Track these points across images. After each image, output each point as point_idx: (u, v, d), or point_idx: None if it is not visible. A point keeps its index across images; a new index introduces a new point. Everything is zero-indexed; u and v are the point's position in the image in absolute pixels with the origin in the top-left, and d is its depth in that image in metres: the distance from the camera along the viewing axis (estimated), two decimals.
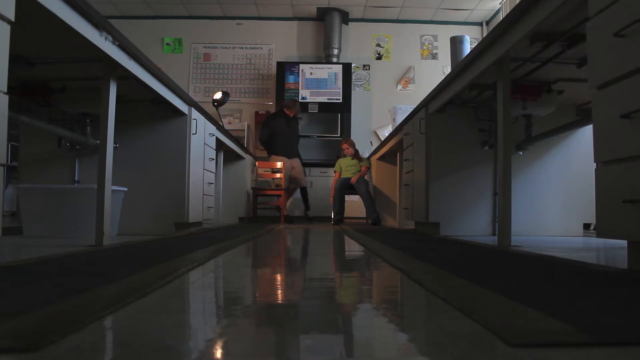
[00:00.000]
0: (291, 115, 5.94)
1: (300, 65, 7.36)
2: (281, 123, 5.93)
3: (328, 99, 7.17)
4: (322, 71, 7.33)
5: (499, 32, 2.22)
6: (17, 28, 1.46)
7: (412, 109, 3.97)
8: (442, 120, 3.44)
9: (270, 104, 7.59)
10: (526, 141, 3.24)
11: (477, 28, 7.70)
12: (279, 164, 5.86)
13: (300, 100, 7.06)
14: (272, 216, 6.51)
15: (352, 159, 5.87)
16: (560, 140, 3.48)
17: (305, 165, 6.42)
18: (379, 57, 7.79)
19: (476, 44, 2.53)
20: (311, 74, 7.32)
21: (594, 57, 1.51)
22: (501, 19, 3.18)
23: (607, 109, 1.44)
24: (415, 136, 3.81)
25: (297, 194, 6.45)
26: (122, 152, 3.20)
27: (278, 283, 1.34)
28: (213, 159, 4.20)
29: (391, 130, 5.97)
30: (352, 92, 7.43)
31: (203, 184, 3.82)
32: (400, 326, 0.82)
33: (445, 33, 7.19)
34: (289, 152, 5.94)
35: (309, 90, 7.10)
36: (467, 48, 5.12)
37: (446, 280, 1.16)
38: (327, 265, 1.79)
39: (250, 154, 6.44)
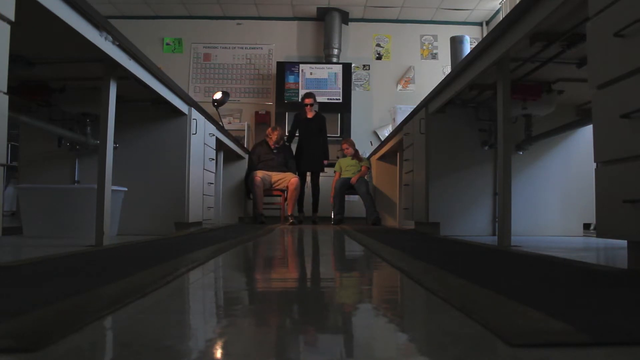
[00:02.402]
0: (272, 146, 5.62)
1: (300, 65, 7.36)
2: (263, 150, 5.64)
3: (328, 99, 7.17)
4: (322, 71, 7.33)
5: (499, 32, 2.22)
6: (17, 28, 1.46)
7: (412, 109, 3.97)
8: (442, 120, 3.44)
9: (270, 104, 7.59)
10: (526, 141, 3.24)
11: (477, 28, 7.70)
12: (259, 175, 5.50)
13: (300, 101, 7.04)
14: (273, 216, 6.51)
15: (352, 159, 5.87)
16: (560, 140, 3.48)
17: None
18: (379, 57, 7.78)
19: (476, 44, 2.53)
20: (311, 74, 7.32)
21: (594, 57, 1.51)
22: (501, 19, 3.18)
23: (607, 109, 1.44)
24: (415, 136, 3.81)
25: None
26: (122, 152, 3.20)
27: (278, 283, 1.33)
28: (213, 159, 4.20)
29: (391, 130, 5.97)
30: (352, 92, 7.42)
31: (203, 184, 3.82)
32: (400, 326, 0.82)
33: (445, 33, 7.19)
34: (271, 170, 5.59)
35: (309, 90, 7.10)
36: (467, 48, 5.12)
37: (446, 280, 1.16)
38: (327, 265, 1.79)
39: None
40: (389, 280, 1.39)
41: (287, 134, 6.12)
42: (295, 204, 5.53)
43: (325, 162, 5.86)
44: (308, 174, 5.89)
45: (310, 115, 5.84)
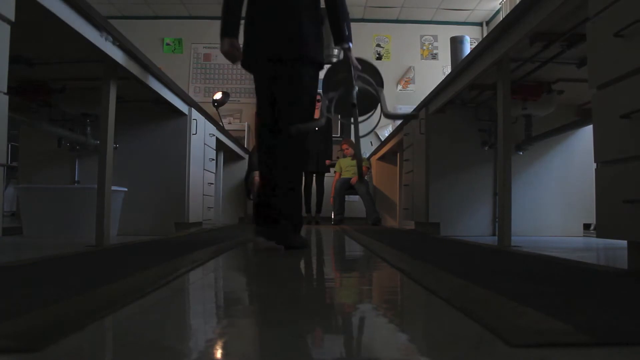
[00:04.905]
0: None
1: None
2: None
3: None
4: (321, 71, 7.32)
5: (499, 32, 2.22)
6: (17, 28, 1.46)
7: (412, 109, 3.97)
8: (442, 120, 3.44)
9: None
10: (526, 141, 3.23)
11: (477, 28, 7.69)
12: None
13: None
14: None
15: (352, 159, 5.87)
16: (560, 141, 3.47)
17: None
18: (379, 57, 7.78)
19: (476, 44, 2.53)
20: None
21: (594, 57, 1.51)
22: (501, 19, 3.18)
23: (607, 109, 1.44)
24: (415, 136, 3.81)
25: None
26: (122, 152, 3.20)
27: (278, 283, 1.33)
28: (213, 159, 4.20)
29: (391, 130, 5.96)
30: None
31: (203, 184, 3.82)
32: (400, 326, 0.82)
33: (445, 33, 7.18)
34: None
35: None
36: (467, 48, 5.11)
37: (446, 280, 1.16)
38: (327, 265, 1.79)
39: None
40: (389, 280, 1.39)
41: None
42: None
43: (328, 162, 5.88)
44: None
45: (317, 115, 5.84)
